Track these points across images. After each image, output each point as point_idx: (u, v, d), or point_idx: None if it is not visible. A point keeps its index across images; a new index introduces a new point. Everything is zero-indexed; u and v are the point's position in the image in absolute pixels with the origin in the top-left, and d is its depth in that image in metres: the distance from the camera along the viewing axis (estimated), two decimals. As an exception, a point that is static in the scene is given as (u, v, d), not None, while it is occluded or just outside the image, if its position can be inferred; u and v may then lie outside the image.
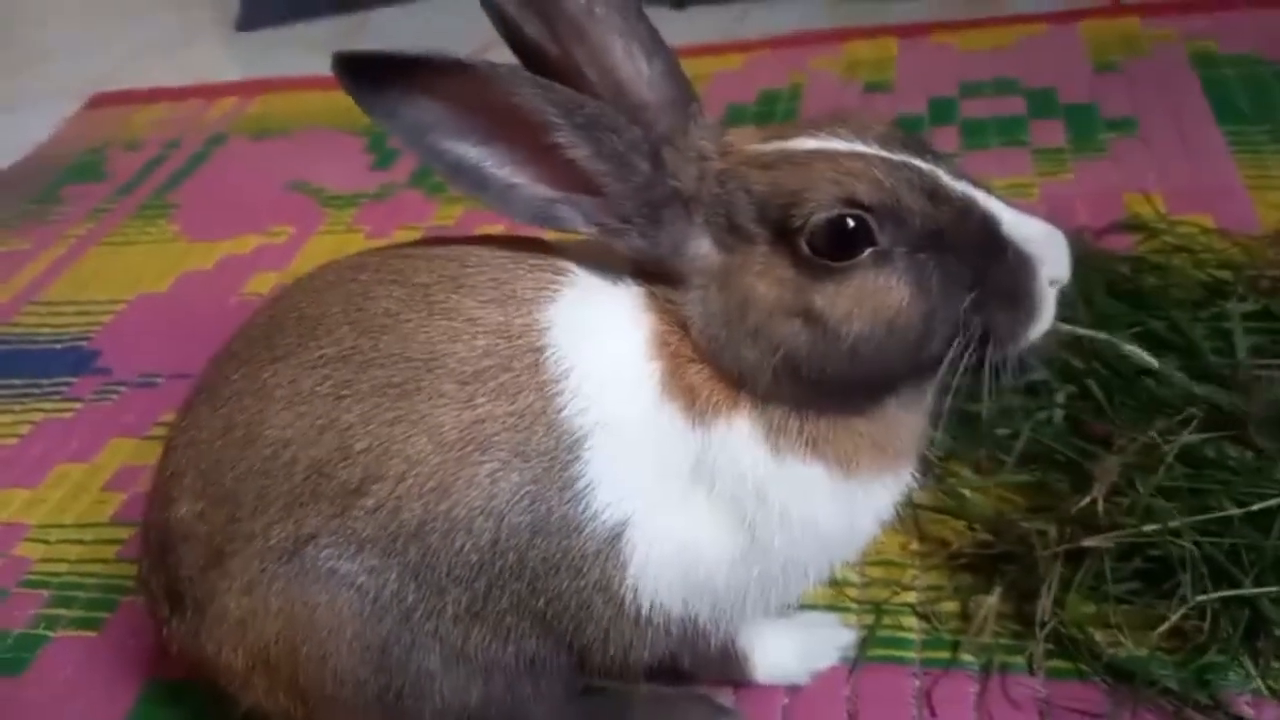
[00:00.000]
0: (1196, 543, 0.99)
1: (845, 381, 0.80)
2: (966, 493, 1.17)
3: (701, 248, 0.81)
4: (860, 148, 0.79)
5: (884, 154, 0.78)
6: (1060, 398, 1.20)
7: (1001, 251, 0.77)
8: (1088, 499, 1.03)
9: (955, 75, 2.06)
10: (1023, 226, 0.78)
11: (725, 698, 1.04)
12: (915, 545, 1.16)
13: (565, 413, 0.81)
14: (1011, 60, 2.09)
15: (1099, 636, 1.01)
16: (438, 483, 0.80)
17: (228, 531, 0.84)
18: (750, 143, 0.83)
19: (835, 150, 0.79)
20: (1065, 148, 1.79)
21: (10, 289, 1.94)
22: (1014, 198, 1.64)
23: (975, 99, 1.98)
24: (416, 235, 1.87)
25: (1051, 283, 0.78)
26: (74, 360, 1.72)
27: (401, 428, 0.80)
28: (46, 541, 1.37)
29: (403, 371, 0.81)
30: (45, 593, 1.30)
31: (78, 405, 1.61)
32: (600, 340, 0.82)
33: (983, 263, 0.77)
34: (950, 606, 1.09)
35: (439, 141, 0.79)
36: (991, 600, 1.05)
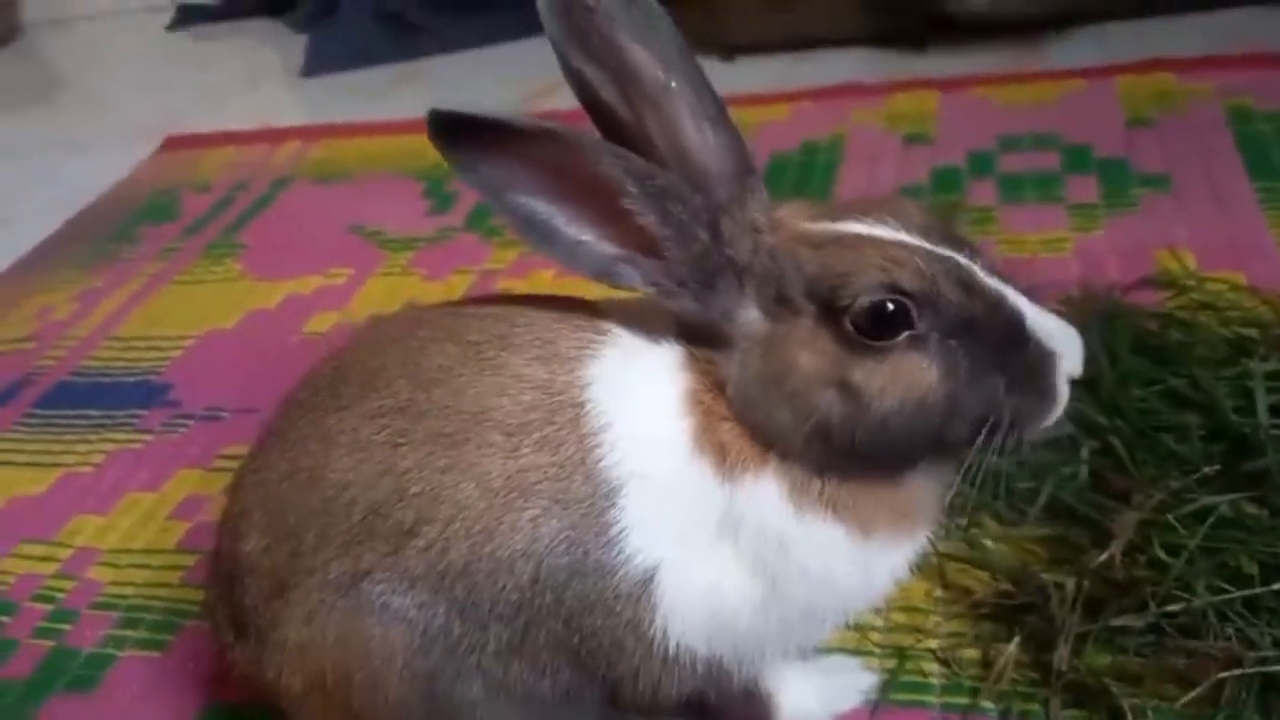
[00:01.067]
0: (1212, 602, 1.01)
1: (872, 450, 0.84)
2: (989, 543, 1.20)
3: (750, 315, 0.86)
4: (904, 237, 0.83)
5: (926, 245, 0.83)
6: (1085, 453, 1.22)
7: (1025, 344, 0.83)
8: (1106, 554, 1.07)
9: (994, 129, 2.09)
10: (1045, 322, 0.83)
11: (750, 735, 1.08)
12: (938, 593, 1.18)
13: (603, 464, 0.86)
14: (1050, 115, 2.11)
15: (1114, 687, 1.03)
16: (484, 526, 0.85)
17: (290, 565, 0.89)
18: (800, 219, 0.87)
19: (882, 238, 0.83)
20: (1098, 203, 1.81)
21: (88, 324, 2.02)
22: (1048, 254, 1.69)
23: (1013, 153, 2.00)
24: (472, 278, 1.94)
25: (1067, 377, 0.83)
26: (145, 393, 1.78)
27: (452, 475, 0.85)
28: (116, 566, 1.43)
29: (454, 423, 0.86)
30: (114, 614, 1.35)
31: (148, 437, 1.68)
32: (637, 397, 0.87)
33: (1008, 353, 0.82)
34: (971, 653, 1.11)
35: (515, 197, 0.83)
36: (1011, 649, 1.08)
